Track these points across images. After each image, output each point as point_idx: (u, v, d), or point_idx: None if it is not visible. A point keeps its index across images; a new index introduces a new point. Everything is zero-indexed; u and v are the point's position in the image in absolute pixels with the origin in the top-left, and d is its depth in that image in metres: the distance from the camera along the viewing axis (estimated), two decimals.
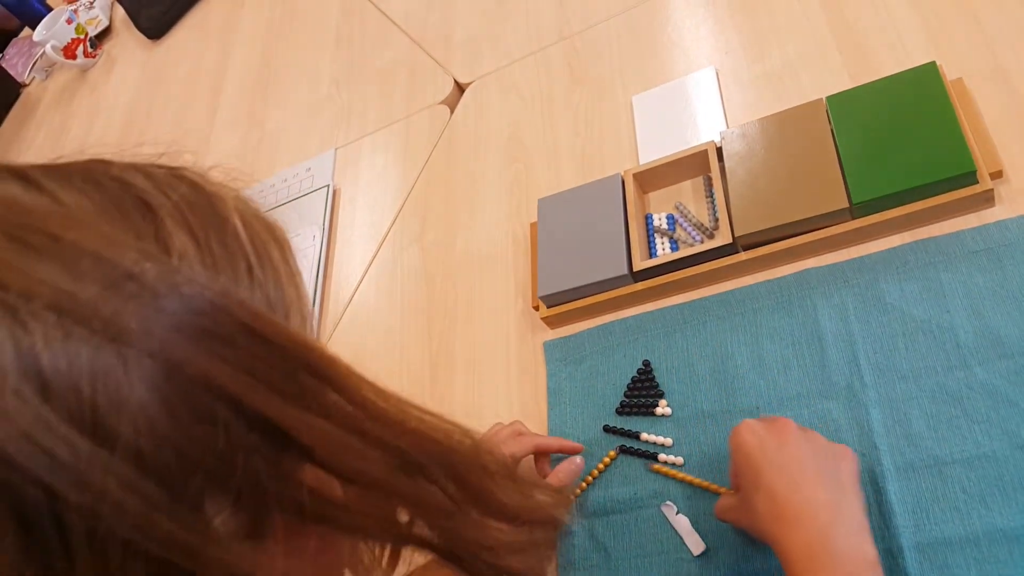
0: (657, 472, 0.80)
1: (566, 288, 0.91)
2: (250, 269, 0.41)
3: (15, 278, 0.32)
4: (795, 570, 0.59)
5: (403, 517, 0.46)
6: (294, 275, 0.45)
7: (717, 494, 0.75)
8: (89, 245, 0.34)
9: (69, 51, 1.95)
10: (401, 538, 0.47)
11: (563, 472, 0.81)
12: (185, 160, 0.44)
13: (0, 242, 0.33)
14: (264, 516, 0.38)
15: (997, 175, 0.78)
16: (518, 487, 0.55)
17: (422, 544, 0.47)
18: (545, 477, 0.83)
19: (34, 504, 0.31)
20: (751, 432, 0.67)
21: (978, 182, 0.77)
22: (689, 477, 0.78)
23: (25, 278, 0.32)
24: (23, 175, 0.37)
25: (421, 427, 0.45)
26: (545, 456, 0.85)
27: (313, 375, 0.39)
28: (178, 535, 0.34)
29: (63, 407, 0.31)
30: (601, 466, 0.84)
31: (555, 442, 0.85)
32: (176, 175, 0.42)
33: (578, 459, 0.83)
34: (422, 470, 0.45)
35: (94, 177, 0.38)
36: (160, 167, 0.42)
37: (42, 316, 0.32)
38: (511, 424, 0.86)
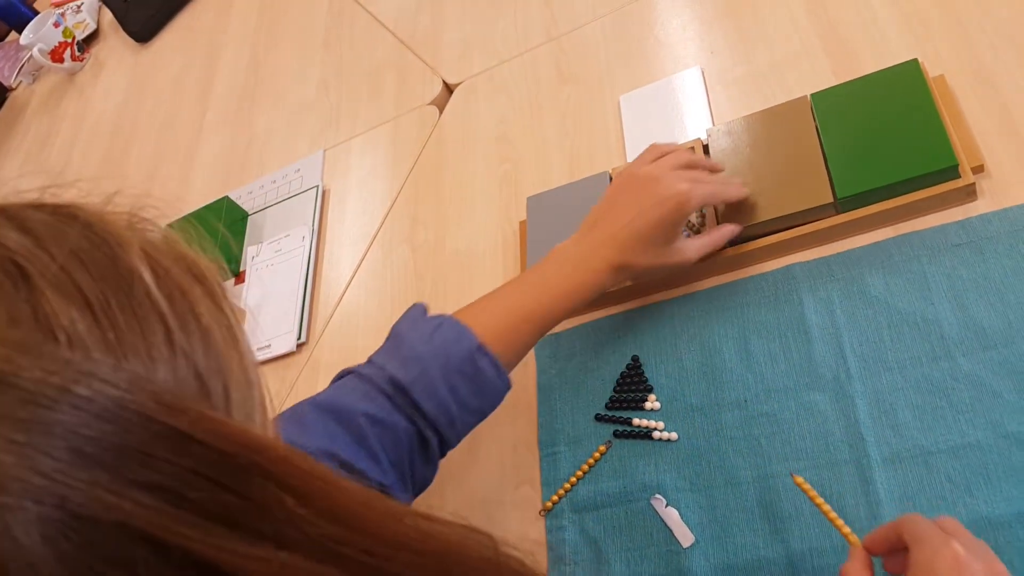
0: (798, 486, 0.73)
1: None
2: (169, 336, 0.32)
3: None
4: None
5: None
6: (231, 327, 0.36)
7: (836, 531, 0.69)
8: None
9: (56, 54, 1.94)
10: None
11: (718, 233, 0.83)
12: (78, 190, 0.36)
13: None
14: None
15: (979, 170, 0.79)
16: None
17: None
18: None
19: None
20: (956, 564, 0.52)
21: (960, 176, 0.78)
22: (827, 507, 0.70)
23: None
24: None
25: (426, 541, 0.34)
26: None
27: (265, 478, 0.30)
28: None
29: None
30: (592, 460, 0.84)
31: (732, 191, 0.84)
32: (64, 218, 0.33)
33: (732, 226, 0.84)
34: None
35: None
36: (43, 207, 0.33)
37: None
38: (681, 147, 0.86)
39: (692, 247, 0.82)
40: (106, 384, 0.28)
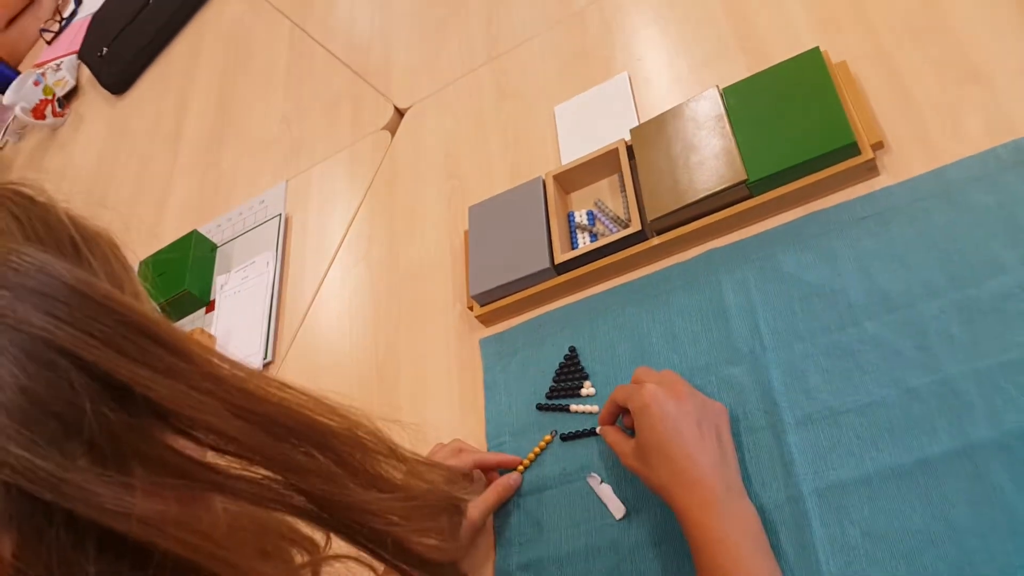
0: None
1: (495, 285, 0.96)
2: (75, 245, 0.45)
3: None
4: (691, 525, 0.67)
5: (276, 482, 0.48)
6: (126, 268, 0.48)
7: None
8: None
9: (38, 112, 2.01)
10: (272, 501, 0.48)
11: (502, 485, 0.86)
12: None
13: None
14: (124, 464, 0.41)
15: (879, 146, 0.83)
16: (406, 465, 0.58)
17: (297, 509, 0.49)
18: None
19: None
20: (655, 400, 0.72)
21: (860, 153, 0.82)
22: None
23: None
24: None
25: (284, 400, 0.48)
26: (493, 469, 0.89)
27: (152, 340, 0.43)
28: (42, 469, 0.38)
29: None
30: (537, 449, 0.88)
31: (494, 458, 0.89)
32: (12, 188, 0.47)
33: (516, 475, 0.87)
34: (288, 437, 0.48)
35: None
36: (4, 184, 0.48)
37: None
38: (451, 442, 0.91)
39: (475, 510, 0.83)
40: (29, 257, 0.41)
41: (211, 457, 0.46)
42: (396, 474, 0.56)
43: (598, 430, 0.83)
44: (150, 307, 0.47)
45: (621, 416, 0.81)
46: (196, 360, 0.44)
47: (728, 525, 0.66)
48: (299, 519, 0.51)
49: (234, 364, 0.47)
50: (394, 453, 0.56)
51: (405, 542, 0.56)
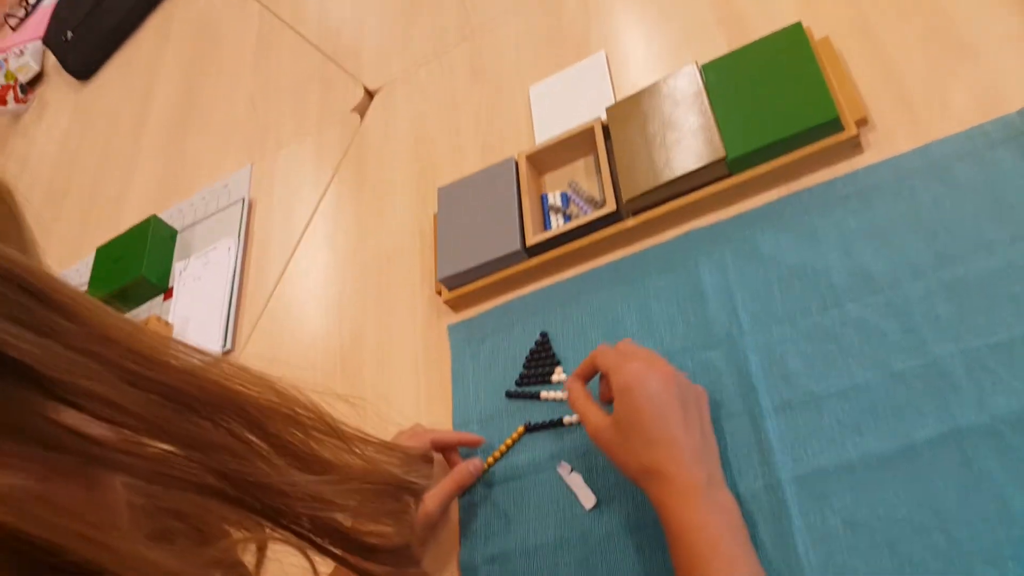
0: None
1: (464, 269, 0.92)
2: None
3: None
4: (668, 515, 0.63)
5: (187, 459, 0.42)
6: (16, 219, 0.43)
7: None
8: None
9: None
10: (176, 481, 0.41)
11: (461, 472, 0.82)
12: None
13: None
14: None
15: (863, 123, 0.80)
16: (345, 443, 0.51)
17: (211, 490, 0.43)
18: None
19: None
20: (638, 379, 0.68)
21: (844, 129, 0.79)
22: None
23: None
24: None
25: (191, 367, 0.42)
26: (453, 450, 0.85)
27: (30, 294, 0.37)
28: None
29: None
30: (509, 442, 0.84)
31: (453, 436, 0.85)
32: None
33: (476, 460, 0.83)
34: (195, 409, 0.41)
35: None
36: None
37: None
38: (411, 427, 0.87)
39: (431, 500, 0.79)
40: None
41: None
42: (340, 455, 0.50)
43: (566, 384, 0.77)
44: (38, 262, 0.41)
45: (599, 382, 0.76)
46: (83, 319, 0.38)
47: (708, 517, 0.62)
48: (218, 503, 0.44)
49: (136, 328, 0.41)
50: (333, 431, 0.49)
51: (344, 528, 0.50)
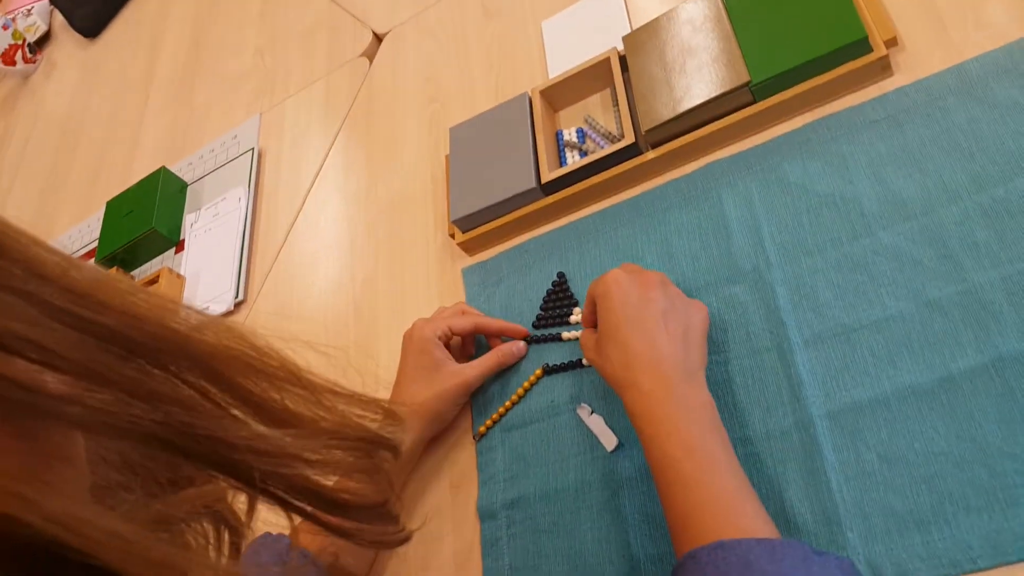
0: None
1: (478, 209, 0.89)
2: None
3: None
4: (637, 412, 0.63)
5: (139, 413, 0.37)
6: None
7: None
8: None
9: (7, 57, 1.92)
10: (121, 431, 0.37)
11: (504, 350, 0.82)
12: None
13: None
14: None
15: (892, 43, 0.76)
16: (316, 396, 0.45)
17: (156, 442, 0.38)
18: (469, 358, 0.85)
19: None
20: (617, 284, 0.68)
21: (872, 50, 0.75)
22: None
23: None
24: None
25: (133, 306, 0.37)
26: (496, 337, 0.85)
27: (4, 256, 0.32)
28: None
29: None
30: (527, 384, 0.81)
31: (496, 323, 0.85)
32: None
33: (521, 343, 0.83)
34: (139, 354, 0.37)
35: None
36: None
37: None
38: (455, 304, 0.87)
39: (471, 369, 0.81)
40: None
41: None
42: (309, 407, 0.44)
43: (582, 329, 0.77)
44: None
45: (584, 305, 0.76)
46: (11, 255, 0.34)
47: (677, 412, 0.61)
48: (169, 456, 0.39)
49: (72, 263, 0.36)
50: (299, 380, 0.44)
51: (312, 484, 0.44)
